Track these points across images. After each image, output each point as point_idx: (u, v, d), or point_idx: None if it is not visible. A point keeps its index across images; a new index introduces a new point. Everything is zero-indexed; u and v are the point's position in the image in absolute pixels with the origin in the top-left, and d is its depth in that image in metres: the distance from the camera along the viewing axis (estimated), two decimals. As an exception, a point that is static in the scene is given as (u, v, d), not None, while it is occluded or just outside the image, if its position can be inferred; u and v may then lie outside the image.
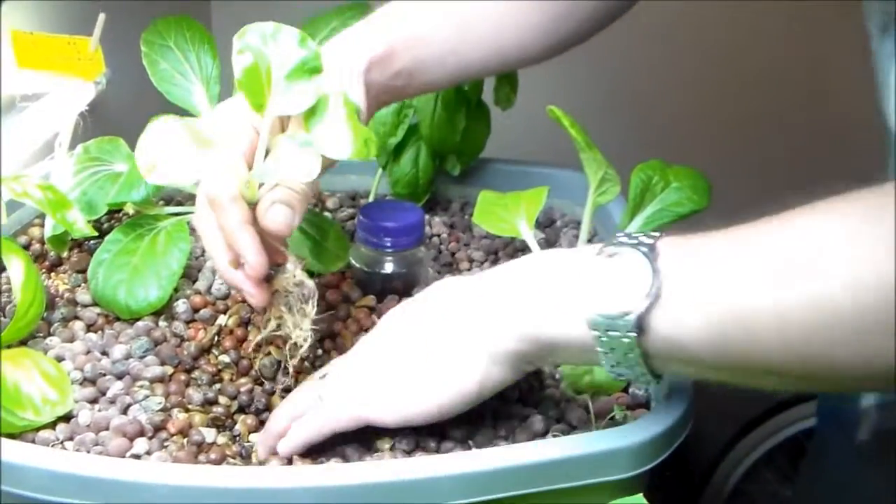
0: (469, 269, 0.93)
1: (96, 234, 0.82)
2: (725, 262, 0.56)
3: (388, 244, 0.82)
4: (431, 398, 0.64)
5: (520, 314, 0.62)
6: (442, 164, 1.00)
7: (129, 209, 0.93)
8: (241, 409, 0.73)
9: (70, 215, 0.78)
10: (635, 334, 0.57)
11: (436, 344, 0.64)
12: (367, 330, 0.80)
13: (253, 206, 0.68)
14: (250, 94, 0.67)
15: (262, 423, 0.72)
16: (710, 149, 1.06)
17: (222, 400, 0.73)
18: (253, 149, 0.68)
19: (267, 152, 0.68)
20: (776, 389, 0.58)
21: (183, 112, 0.91)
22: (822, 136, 1.56)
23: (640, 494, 0.55)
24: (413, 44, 0.79)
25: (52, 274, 0.89)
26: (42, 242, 0.90)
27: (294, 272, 0.70)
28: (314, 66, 0.68)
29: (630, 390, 0.73)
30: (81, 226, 0.78)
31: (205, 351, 0.77)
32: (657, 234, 0.59)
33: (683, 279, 0.56)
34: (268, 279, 0.70)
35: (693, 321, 0.55)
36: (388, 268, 0.84)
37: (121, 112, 1.11)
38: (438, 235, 0.98)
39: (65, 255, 0.90)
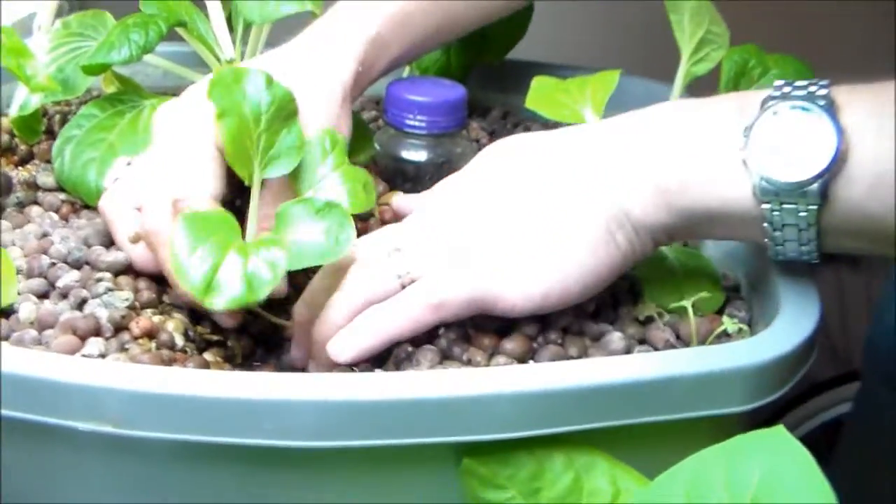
0: (514, 178, 0.77)
1: (59, 90, 0.66)
2: None
3: (423, 125, 0.66)
4: (573, 272, 0.51)
5: (669, 180, 0.51)
6: (479, 52, 0.84)
7: (111, 87, 0.79)
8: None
9: (29, 66, 0.63)
10: (817, 206, 0.47)
11: (564, 206, 0.52)
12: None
13: None
14: (239, 163, 0.56)
15: (258, 344, 0.58)
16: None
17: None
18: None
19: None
20: None
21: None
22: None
23: (780, 425, 0.39)
24: (392, 41, 0.66)
25: (20, 168, 0.74)
26: (12, 134, 0.76)
27: None
28: (290, 110, 0.57)
29: (727, 310, 0.57)
30: (42, 79, 0.63)
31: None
32: (825, 82, 0.49)
33: (876, 134, 0.47)
34: None
35: (887, 176, 0.46)
36: (422, 155, 0.68)
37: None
38: (477, 140, 0.82)
39: (36, 149, 0.76)
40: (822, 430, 1.45)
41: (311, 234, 0.52)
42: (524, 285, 0.51)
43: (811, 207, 0.48)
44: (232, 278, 0.49)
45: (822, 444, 1.44)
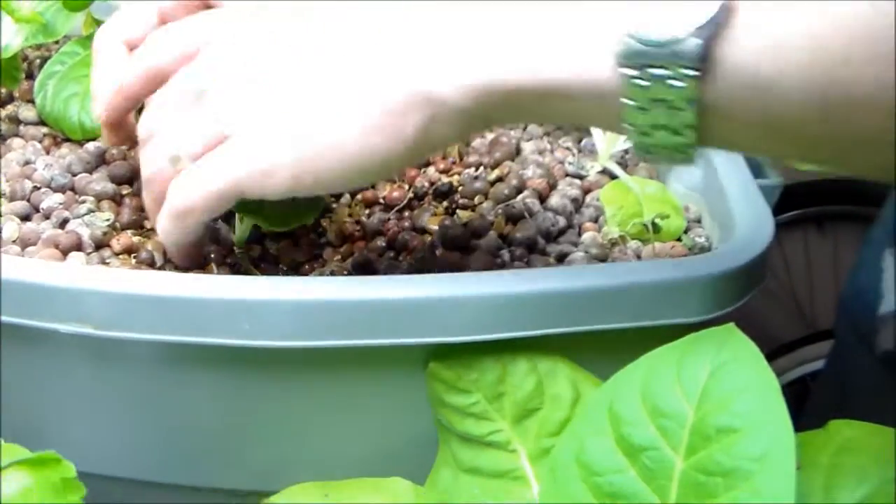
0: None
1: (42, 21, 0.68)
2: None
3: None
4: (334, 155, 0.44)
5: (493, 48, 0.41)
6: None
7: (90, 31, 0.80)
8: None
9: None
10: (698, 72, 0.38)
11: (354, 81, 0.44)
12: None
13: None
14: None
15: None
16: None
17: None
18: None
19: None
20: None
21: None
22: None
23: (732, 323, 0.41)
24: None
25: (1, 109, 0.75)
26: (-8, 79, 0.77)
27: None
28: None
29: (688, 235, 0.59)
30: (26, 11, 0.64)
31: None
32: None
33: None
34: None
35: (792, 38, 0.37)
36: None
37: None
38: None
39: (17, 91, 0.77)
40: (790, 387, 1.46)
41: None
42: (291, 166, 0.44)
43: (689, 73, 0.38)
44: None
45: (790, 401, 1.48)
